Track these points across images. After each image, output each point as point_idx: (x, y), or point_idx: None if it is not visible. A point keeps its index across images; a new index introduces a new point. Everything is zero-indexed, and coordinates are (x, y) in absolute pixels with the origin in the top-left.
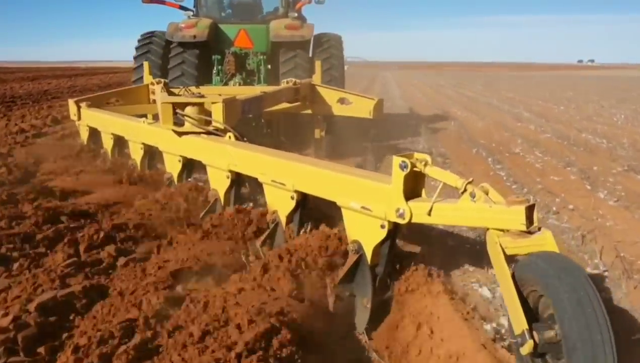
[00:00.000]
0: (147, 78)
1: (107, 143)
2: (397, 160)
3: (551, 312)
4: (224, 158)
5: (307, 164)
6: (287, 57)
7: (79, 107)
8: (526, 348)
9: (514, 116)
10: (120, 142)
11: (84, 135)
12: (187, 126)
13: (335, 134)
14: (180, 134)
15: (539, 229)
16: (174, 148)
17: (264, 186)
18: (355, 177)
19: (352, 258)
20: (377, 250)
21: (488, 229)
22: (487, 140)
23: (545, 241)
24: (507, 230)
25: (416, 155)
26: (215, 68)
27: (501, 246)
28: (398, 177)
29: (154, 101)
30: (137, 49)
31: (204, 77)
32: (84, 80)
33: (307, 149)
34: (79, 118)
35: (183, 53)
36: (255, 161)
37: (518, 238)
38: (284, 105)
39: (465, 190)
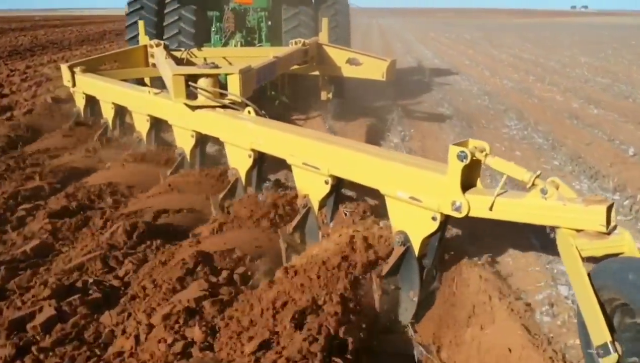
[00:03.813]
0: (143, 39)
1: (108, 113)
2: (454, 149)
3: (634, 322)
4: (245, 136)
5: (347, 147)
6: (290, 14)
7: (73, 73)
8: (610, 361)
9: None
10: (122, 112)
11: (80, 102)
12: (201, 99)
13: (346, 97)
14: (193, 108)
15: (615, 228)
16: (186, 122)
17: (293, 168)
18: (404, 165)
19: (398, 251)
20: (425, 242)
21: (559, 228)
22: None
23: (623, 242)
24: (581, 230)
25: (473, 142)
26: (213, 26)
27: (576, 248)
28: (455, 168)
29: (153, 65)
30: (129, 4)
31: (201, 36)
32: (8, 38)
33: (314, 112)
34: (74, 85)
35: (180, 9)
36: (284, 141)
37: (595, 239)
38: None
39: (533, 184)
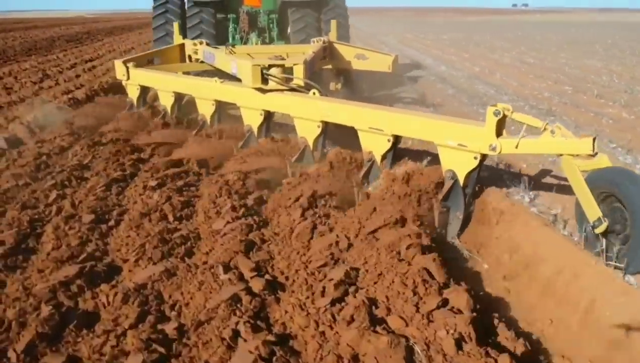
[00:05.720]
0: (178, 39)
1: (167, 101)
2: (491, 109)
3: (617, 206)
4: (315, 111)
5: (406, 113)
6: (297, 16)
7: (127, 68)
8: (602, 228)
9: None
10: (179, 99)
11: (134, 93)
12: (272, 84)
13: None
14: (265, 91)
15: (597, 154)
16: (256, 103)
17: (359, 132)
18: (452, 123)
19: (448, 183)
20: (468, 176)
21: (563, 155)
22: None
23: (603, 160)
24: (577, 155)
25: (501, 105)
26: (231, 27)
27: (576, 165)
28: (491, 120)
29: (196, 60)
30: (154, 8)
31: (219, 35)
32: None
33: None
34: (128, 78)
35: (200, 13)
36: (352, 112)
37: (586, 160)
38: None
39: (545, 129)
